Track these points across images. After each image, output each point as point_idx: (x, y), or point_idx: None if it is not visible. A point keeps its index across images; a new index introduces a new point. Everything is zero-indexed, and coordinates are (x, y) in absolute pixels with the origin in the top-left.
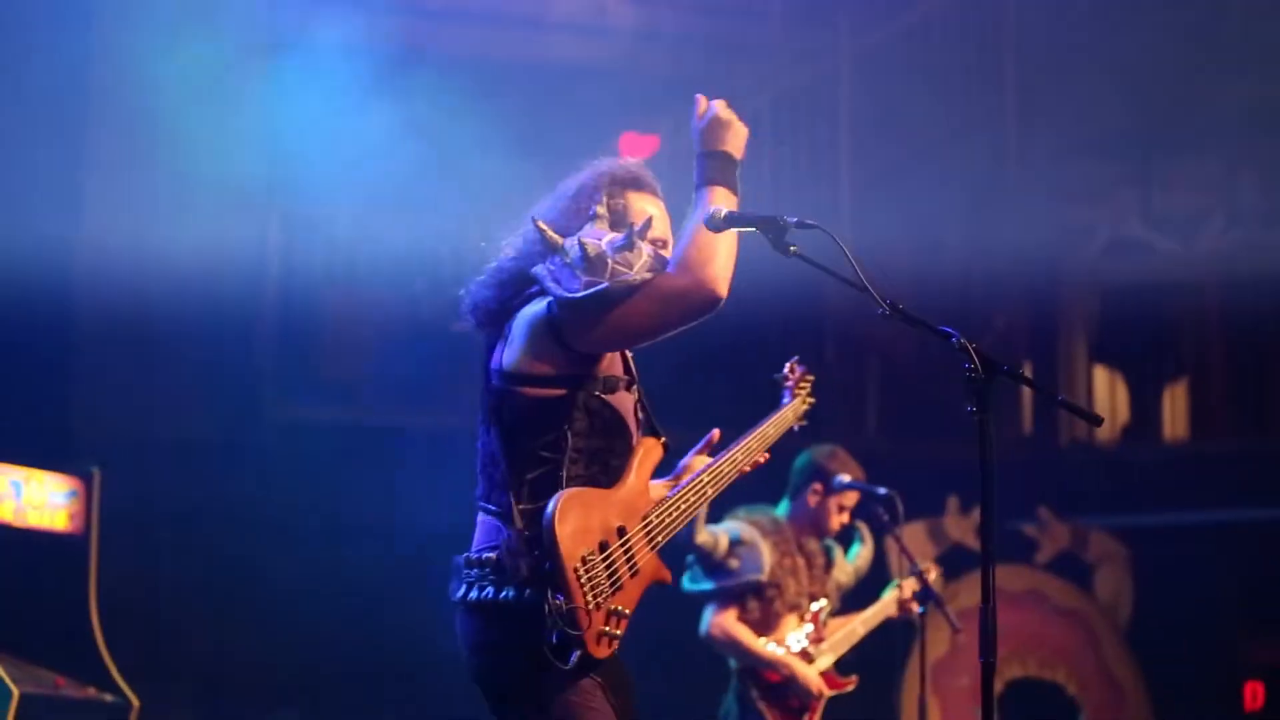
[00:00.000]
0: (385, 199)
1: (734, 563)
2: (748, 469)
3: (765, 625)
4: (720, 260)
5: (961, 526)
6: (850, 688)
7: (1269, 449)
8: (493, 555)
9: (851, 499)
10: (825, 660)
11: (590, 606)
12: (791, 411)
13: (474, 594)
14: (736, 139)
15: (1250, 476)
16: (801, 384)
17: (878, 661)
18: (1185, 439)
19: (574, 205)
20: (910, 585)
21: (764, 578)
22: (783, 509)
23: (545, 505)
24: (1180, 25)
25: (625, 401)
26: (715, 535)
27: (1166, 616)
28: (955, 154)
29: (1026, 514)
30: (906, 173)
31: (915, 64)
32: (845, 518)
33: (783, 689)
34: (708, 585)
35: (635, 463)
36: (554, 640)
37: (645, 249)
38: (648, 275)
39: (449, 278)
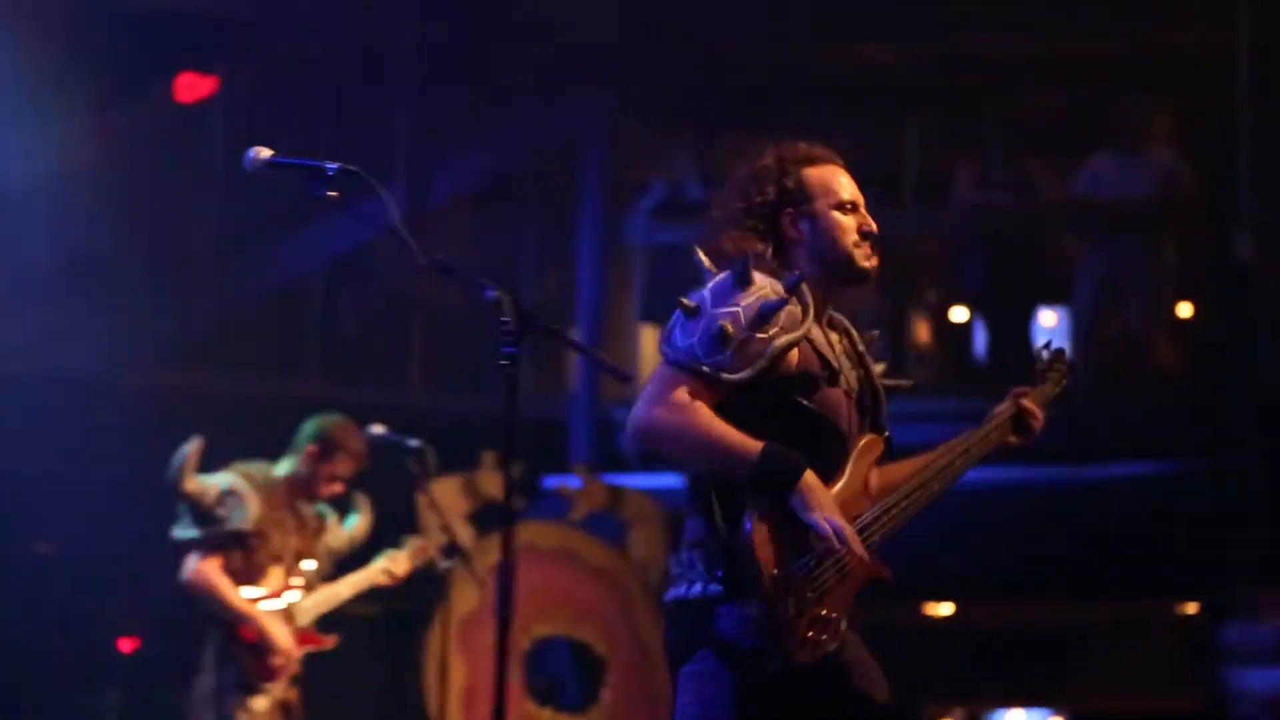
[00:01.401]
0: None
1: (221, 511)
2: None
3: (248, 575)
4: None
5: (496, 482)
6: (329, 645)
7: None
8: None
9: (346, 468)
10: (305, 618)
11: (792, 615)
12: (1039, 396)
13: (673, 592)
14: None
15: None
16: (1054, 369)
17: (410, 616)
18: None
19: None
20: (407, 556)
21: (248, 527)
22: (281, 468)
23: (745, 513)
24: None
25: (832, 398)
26: (204, 484)
27: None
28: None
29: (564, 471)
30: None
31: None
32: (338, 487)
33: (257, 646)
34: (193, 533)
35: (850, 462)
36: (749, 647)
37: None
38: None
39: None
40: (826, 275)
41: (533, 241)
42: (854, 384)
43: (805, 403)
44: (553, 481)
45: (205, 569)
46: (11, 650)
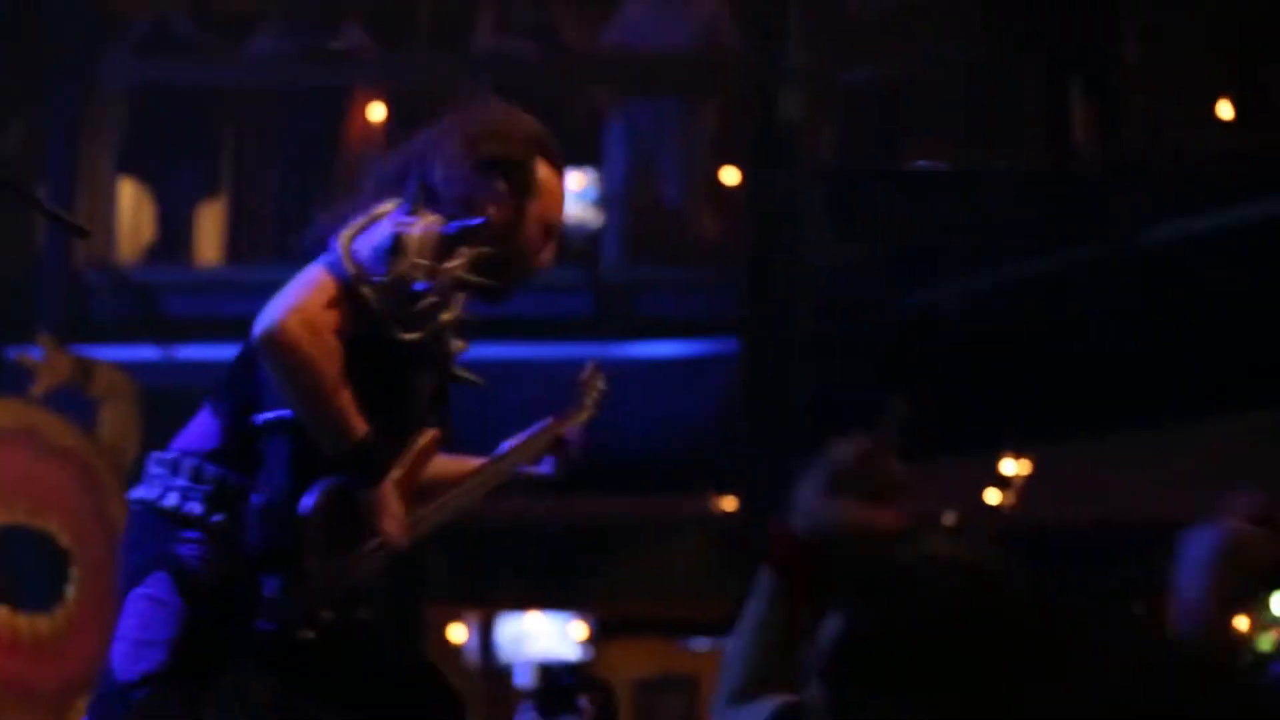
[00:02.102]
0: None
1: None
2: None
3: None
4: None
5: None
6: None
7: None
8: None
9: None
10: None
11: (313, 601)
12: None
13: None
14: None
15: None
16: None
17: None
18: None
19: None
20: None
21: None
22: None
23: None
24: None
25: (426, 377)
26: None
27: None
28: None
29: (28, 340)
30: None
31: None
32: None
33: None
34: None
35: (412, 454)
36: (207, 580)
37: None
38: None
39: None
40: (489, 259)
41: None
42: (446, 369)
43: (401, 370)
44: (13, 352)
45: None
46: None
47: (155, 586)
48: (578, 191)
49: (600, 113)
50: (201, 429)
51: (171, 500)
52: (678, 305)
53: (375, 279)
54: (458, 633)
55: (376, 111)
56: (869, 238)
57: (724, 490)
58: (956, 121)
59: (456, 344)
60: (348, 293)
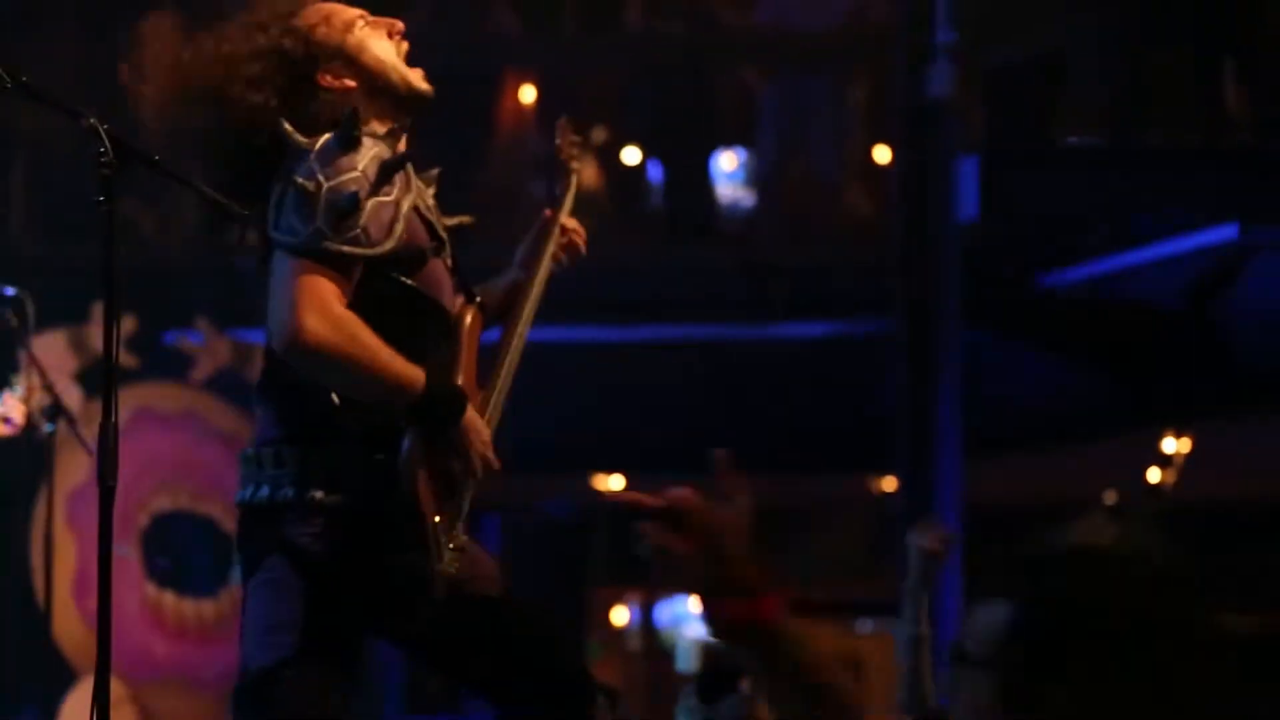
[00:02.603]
0: None
1: None
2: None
3: None
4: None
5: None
6: None
7: None
8: None
9: None
10: None
11: (438, 539)
12: (567, 197)
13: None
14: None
15: None
16: (570, 148)
17: (8, 489)
18: None
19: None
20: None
21: None
22: None
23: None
24: None
25: (436, 271)
26: None
27: None
28: None
29: (185, 325)
30: None
31: None
32: None
33: None
34: None
35: (463, 349)
36: (322, 553)
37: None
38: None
39: None
40: (393, 116)
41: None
42: (449, 248)
43: (409, 282)
44: (172, 337)
45: None
46: None
47: (273, 571)
48: (729, 171)
49: (751, 92)
50: (266, 419)
51: (265, 492)
52: (831, 284)
53: (326, 233)
54: (620, 615)
55: (527, 94)
56: (1021, 214)
57: (883, 471)
58: (1105, 98)
59: (426, 197)
60: (322, 260)
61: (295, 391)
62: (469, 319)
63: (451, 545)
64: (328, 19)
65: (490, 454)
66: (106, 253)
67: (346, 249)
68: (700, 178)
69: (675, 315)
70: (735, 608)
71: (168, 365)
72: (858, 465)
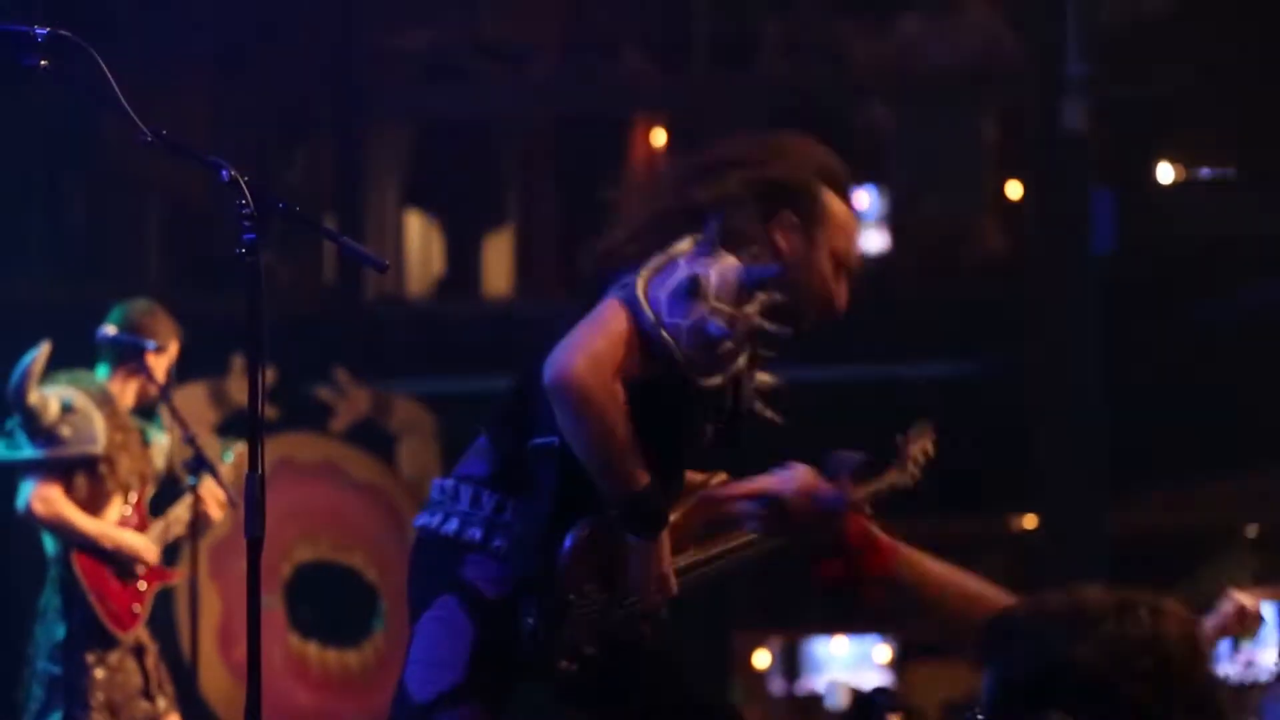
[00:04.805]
0: None
1: (65, 430)
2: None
3: (93, 506)
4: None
5: (246, 389)
6: (176, 580)
7: None
8: None
9: (166, 361)
10: (152, 554)
11: (566, 638)
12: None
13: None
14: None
15: None
16: (914, 458)
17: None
18: (507, 296)
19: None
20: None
21: (99, 451)
22: (103, 374)
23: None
24: None
25: (707, 424)
26: (46, 397)
27: None
28: None
29: (323, 376)
30: None
31: None
32: (153, 389)
33: (111, 565)
34: (31, 453)
35: (694, 500)
36: (495, 598)
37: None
38: None
39: None
40: (785, 305)
41: (276, 116)
42: (739, 411)
43: (687, 414)
44: (312, 388)
45: (49, 495)
46: None
47: (444, 609)
48: (862, 210)
49: (882, 130)
50: (478, 456)
51: (452, 526)
52: (967, 320)
53: (672, 324)
54: (762, 658)
55: (658, 137)
56: (1157, 245)
57: (1024, 508)
58: (1227, 130)
59: (762, 380)
60: (643, 337)
61: (518, 436)
62: (716, 482)
63: (592, 632)
64: (835, 217)
65: (671, 580)
66: (252, 304)
67: (665, 338)
68: None
69: (807, 355)
70: (833, 568)
71: (307, 416)
72: (998, 503)
